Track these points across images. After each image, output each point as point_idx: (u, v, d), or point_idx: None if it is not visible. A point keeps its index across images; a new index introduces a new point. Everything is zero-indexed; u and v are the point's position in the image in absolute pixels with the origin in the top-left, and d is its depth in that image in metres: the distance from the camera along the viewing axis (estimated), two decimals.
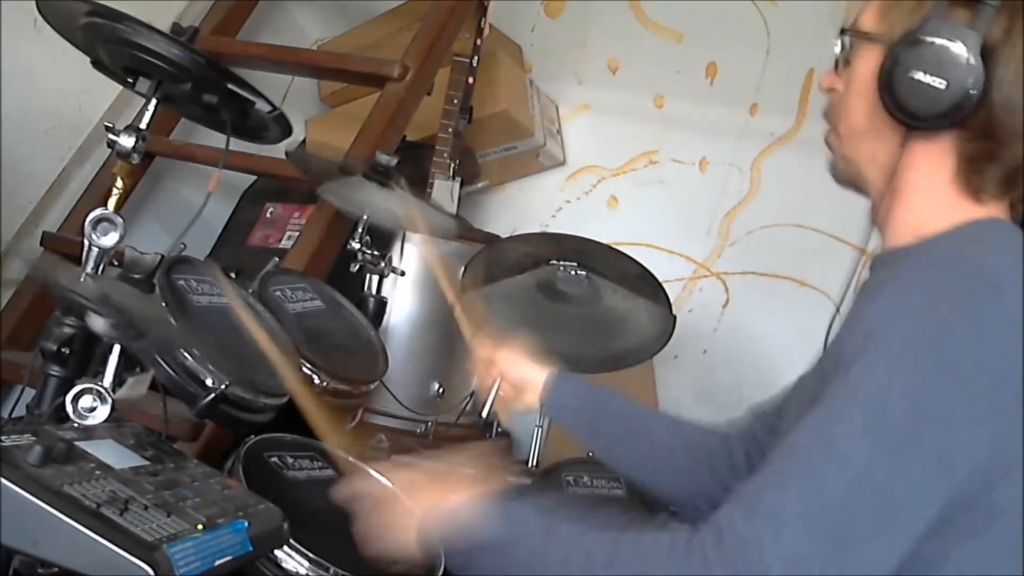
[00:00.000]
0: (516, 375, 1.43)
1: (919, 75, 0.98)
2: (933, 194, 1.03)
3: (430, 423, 2.32)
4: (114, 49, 1.47)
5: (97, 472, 0.98)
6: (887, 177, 1.05)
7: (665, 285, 2.15)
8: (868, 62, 1.04)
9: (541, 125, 3.07)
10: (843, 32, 1.08)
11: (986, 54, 0.96)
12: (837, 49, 1.09)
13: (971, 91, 0.96)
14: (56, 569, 0.91)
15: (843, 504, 0.85)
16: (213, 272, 1.52)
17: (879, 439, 0.86)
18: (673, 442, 1.35)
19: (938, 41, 0.97)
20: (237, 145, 1.59)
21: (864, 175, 1.09)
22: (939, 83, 0.97)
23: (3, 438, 0.95)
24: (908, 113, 1.00)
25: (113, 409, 1.16)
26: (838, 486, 0.85)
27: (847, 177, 1.12)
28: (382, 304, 2.12)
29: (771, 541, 0.84)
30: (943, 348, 0.88)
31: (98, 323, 1.18)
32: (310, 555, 1.31)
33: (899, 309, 0.91)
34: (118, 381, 1.22)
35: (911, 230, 1.04)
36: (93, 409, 1.15)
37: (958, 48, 0.96)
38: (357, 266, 2.03)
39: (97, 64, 1.55)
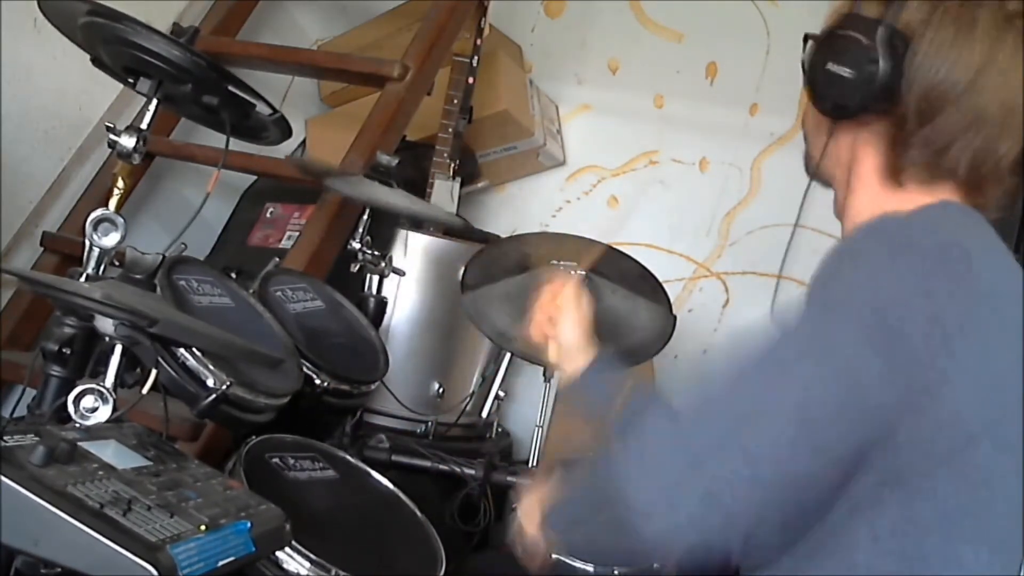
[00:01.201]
0: (574, 332, 1.31)
1: (831, 66, 1.05)
2: (871, 185, 1.08)
3: (430, 423, 2.32)
4: (114, 49, 1.47)
5: (100, 472, 0.98)
6: (838, 169, 1.12)
7: (665, 285, 2.16)
8: None
9: (541, 125, 3.07)
10: (807, 38, 1.15)
11: (899, 42, 1.01)
12: (804, 55, 1.15)
13: (875, 77, 1.01)
14: (59, 569, 0.91)
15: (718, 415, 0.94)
16: None
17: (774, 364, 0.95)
18: None
19: (847, 33, 1.04)
20: (237, 145, 1.59)
21: (822, 169, 1.15)
22: (847, 72, 1.03)
23: (6, 438, 0.95)
24: (824, 103, 1.08)
25: (114, 409, 1.16)
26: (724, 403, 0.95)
27: (813, 172, 1.18)
28: (382, 304, 2.12)
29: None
30: (849, 294, 0.93)
31: (107, 325, 1.18)
32: (311, 556, 1.31)
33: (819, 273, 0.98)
34: (119, 381, 1.22)
35: (858, 219, 1.08)
36: (95, 409, 1.15)
37: (860, 37, 1.02)
38: (357, 266, 2.03)
39: (97, 62, 1.55)
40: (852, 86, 1.03)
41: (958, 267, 0.94)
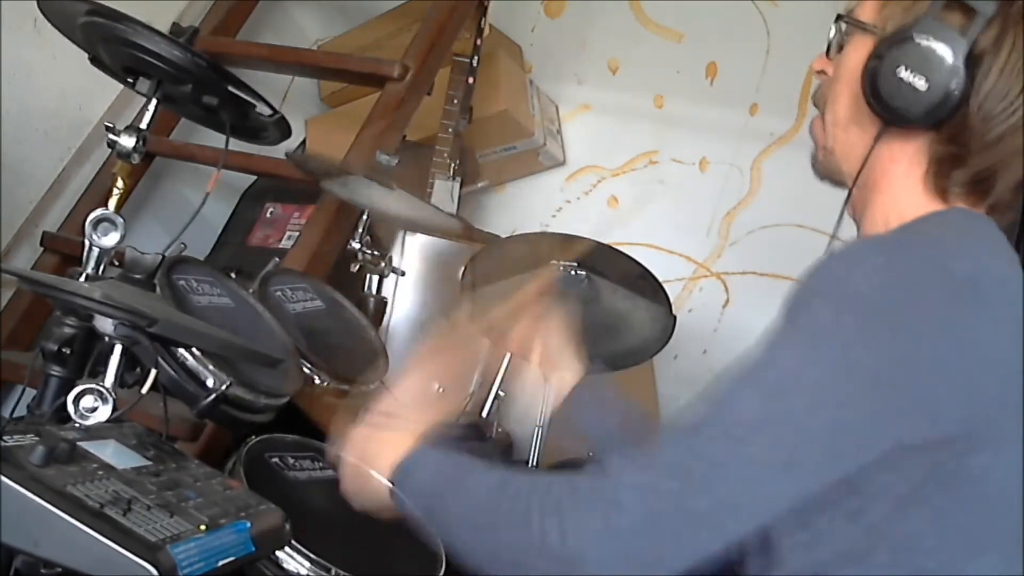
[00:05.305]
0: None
1: (903, 72, 0.99)
2: (906, 190, 1.05)
3: None
4: (114, 49, 1.47)
5: (100, 472, 0.98)
6: (860, 168, 1.07)
7: (665, 285, 2.15)
8: (858, 52, 1.06)
9: (541, 125, 3.07)
10: (839, 18, 1.10)
11: (971, 61, 0.97)
12: (832, 33, 1.11)
13: (951, 95, 0.98)
14: (59, 569, 0.91)
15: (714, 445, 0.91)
16: None
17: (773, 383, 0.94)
18: None
19: (926, 41, 0.99)
20: (237, 145, 1.60)
21: (842, 166, 1.11)
22: (921, 82, 0.98)
23: (5, 438, 0.95)
24: (886, 108, 1.02)
25: (114, 409, 1.16)
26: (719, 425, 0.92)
27: (826, 169, 1.14)
28: (382, 304, 2.12)
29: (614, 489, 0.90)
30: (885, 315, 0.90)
31: (106, 325, 1.18)
32: (311, 556, 1.31)
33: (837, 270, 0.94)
34: (119, 381, 1.22)
35: (883, 222, 1.06)
36: (94, 409, 1.15)
37: (945, 51, 0.98)
38: (357, 266, 2.03)
39: (96, 61, 1.55)
40: (923, 98, 0.98)
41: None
